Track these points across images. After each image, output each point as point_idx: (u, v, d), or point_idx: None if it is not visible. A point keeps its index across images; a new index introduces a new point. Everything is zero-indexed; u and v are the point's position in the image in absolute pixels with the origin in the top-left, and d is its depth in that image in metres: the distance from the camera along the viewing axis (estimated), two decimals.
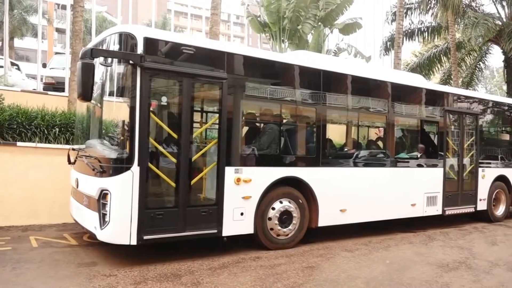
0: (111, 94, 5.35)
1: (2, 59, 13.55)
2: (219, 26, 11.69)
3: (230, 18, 53.03)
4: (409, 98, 8.09)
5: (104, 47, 5.40)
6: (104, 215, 4.99)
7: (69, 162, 6.11)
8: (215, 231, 5.51)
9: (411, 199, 7.85)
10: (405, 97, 7.98)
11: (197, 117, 6.34)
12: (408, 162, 8.03)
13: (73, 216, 6.09)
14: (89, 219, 5.33)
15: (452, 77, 18.31)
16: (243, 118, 6.18)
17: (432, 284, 4.95)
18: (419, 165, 8.23)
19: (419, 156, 8.27)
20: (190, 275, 4.86)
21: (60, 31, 33.92)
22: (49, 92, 11.64)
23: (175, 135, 5.36)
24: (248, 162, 5.91)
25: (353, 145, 7.79)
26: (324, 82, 6.71)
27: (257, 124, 6.87)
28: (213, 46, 5.86)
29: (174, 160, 5.31)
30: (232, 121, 5.72)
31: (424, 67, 20.69)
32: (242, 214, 5.75)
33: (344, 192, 6.86)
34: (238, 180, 5.70)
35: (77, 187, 5.84)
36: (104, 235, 5.00)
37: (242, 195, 5.74)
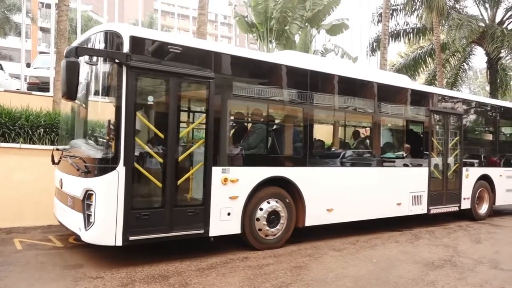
0: (96, 93, 5.25)
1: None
2: (206, 26, 11.66)
3: (217, 18, 52.89)
4: (395, 98, 8.17)
5: (90, 46, 5.31)
6: (89, 216, 4.92)
7: (53, 163, 6.02)
8: (202, 231, 5.48)
9: (396, 198, 7.93)
10: (390, 97, 8.06)
11: (184, 116, 6.30)
12: (394, 161, 8.12)
13: (57, 217, 6.00)
14: (73, 220, 5.26)
15: (436, 77, 18.59)
16: (230, 117, 6.16)
17: (418, 282, 5.01)
18: (405, 165, 8.31)
19: (404, 155, 8.36)
20: (178, 276, 4.83)
21: (45, 30, 33.40)
22: (34, 92, 11.47)
23: (161, 135, 5.31)
24: (235, 162, 5.89)
25: (340, 145, 7.86)
26: (311, 82, 6.73)
27: (245, 124, 6.88)
28: (200, 45, 5.83)
29: (160, 160, 5.27)
30: (219, 121, 5.69)
31: (409, 68, 20.95)
32: (229, 214, 5.73)
33: (331, 192, 6.89)
34: (225, 180, 5.68)
35: (61, 188, 5.76)
36: (89, 236, 4.93)
37: (229, 195, 5.73)
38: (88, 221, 4.93)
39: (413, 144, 8.56)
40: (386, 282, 4.97)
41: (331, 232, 7.23)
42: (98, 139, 5.32)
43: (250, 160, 6.08)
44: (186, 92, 5.96)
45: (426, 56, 20.72)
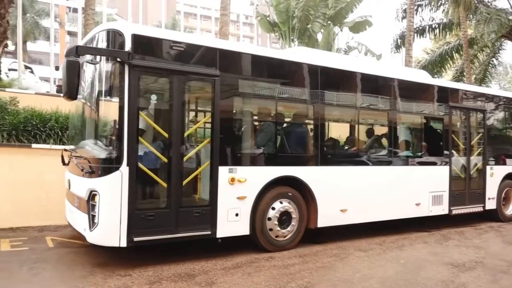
0: (99, 92, 5.22)
1: (16, 62, 13.75)
2: (228, 26, 11.73)
3: (239, 19, 53.08)
4: (412, 94, 7.88)
5: (93, 45, 5.30)
6: (93, 216, 4.88)
7: (63, 163, 6.01)
8: (209, 232, 5.37)
9: (415, 198, 7.64)
10: (407, 93, 7.76)
11: (188, 115, 6.20)
12: (411, 160, 7.81)
13: (67, 218, 6.01)
14: (79, 221, 5.25)
15: (464, 74, 18.10)
16: (237, 116, 6.02)
17: (448, 284, 4.89)
18: (423, 163, 7.95)
19: (423, 154, 8.03)
20: (204, 275, 4.87)
21: (72, 34, 34.33)
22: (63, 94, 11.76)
23: (166, 134, 5.22)
24: (243, 161, 5.76)
25: (353, 143, 7.51)
26: (321, 79, 6.54)
27: (252, 122, 6.63)
28: (205, 42, 5.69)
29: (165, 159, 5.17)
30: (225, 120, 5.60)
31: (435, 64, 20.49)
32: (237, 215, 5.60)
33: (345, 192, 6.66)
34: (233, 180, 5.56)
35: (69, 189, 5.77)
36: (93, 237, 4.90)
37: (236, 195, 5.60)
38: (92, 222, 4.90)
39: (433, 142, 8.22)
40: (414, 283, 4.87)
41: (357, 232, 7.13)
42: (102, 139, 5.28)
43: (258, 160, 5.98)
44: (191, 91, 5.87)
45: (453, 52, 20.22)
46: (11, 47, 19.97)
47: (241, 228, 5.67)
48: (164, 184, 5.13)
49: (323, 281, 4.82)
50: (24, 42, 26.66)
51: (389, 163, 7.41)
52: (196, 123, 6.14)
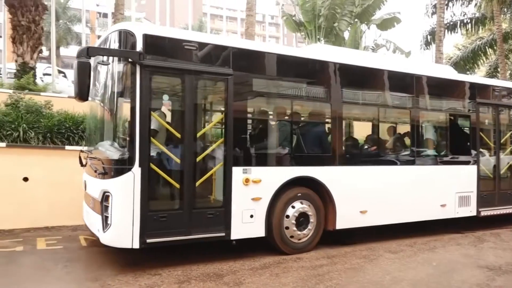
0: (111, 93, 5.23)
1: (50, 67, 14.24)
2: (254, 27, 11.75)
3: (265, 19, 53.12)
4: (436, 90, 7.51)
5: (106, 46, 5.32)
6: (106, 217, 4.88)
7: (81, 165, 6.04)
8: (223, 234, 5.29)
9: (440, 199, 7.30)
10: (431, 89, 7.39)
11: (201, 115, 6.10)
12: (436, 159, 7.51)
13: (84, 219, 6.05)
14: (94, 222, 5.27)
15: (499, 69, 17.44)
16: (251, 115, 5.93)
17: (484, 287, 4.72)
18: (449, 163, 7.59)
19: (448, 153, 7.66)
20: (232, 275, 4.89)
21: None
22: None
23: (178, 135, 5.18)
24: (257, 161, 5.66)
25: (373, 142, 7.23)
26: (339, 76, 6.38)
27: (267, 121, 6.48)
28: (217, 41, 5.65)
29: (177, 160, 5.13)
30: (239, 119, 5.52)
31: (468, 60, 19.86)
32: (251, 216, 5.50)
33: (364, 193, 6.42)
34: (247, 180, 5.44)
35: (85, 190, 5.83)
36: (107, 238, 4.91)
37: (251, 196, 5.49)
38: (105, 223, 4.90)
39: (459, 140, 7.87)
40: (448, 286, 4.73)
41: (386, 233, 6.98)
42: (114, 140, 5.26)
43: (273, 160, 5.88)
44: (203, 90, 5.79)
45: (487, 47, 19.54)
46: (45, 53, 20.75)
47: (256, 229, 5.57)
48: (177, 185, 5.09)
49: (352, 282, 4.75)
50: (58, 48, 27.64)
51: (411, 162, 7.10)
52: (209, 123, 6.04)
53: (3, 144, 7.22)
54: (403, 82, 7.18)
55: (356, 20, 19.55)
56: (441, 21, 14.74)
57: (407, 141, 7.49)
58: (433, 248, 6.45)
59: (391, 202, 6.70)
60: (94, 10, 36.53)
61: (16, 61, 12.22)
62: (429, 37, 19.71)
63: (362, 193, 6.42)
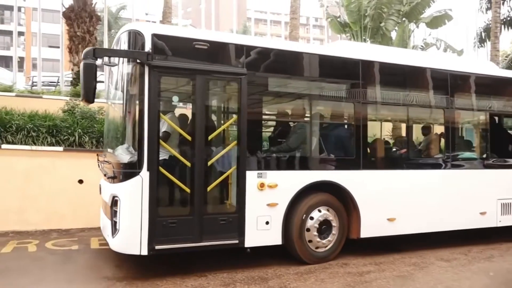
0: (120, 95, 5.19)
1: (103, 75, 14.94)
2: (298, 30, 11.73)
3: (309, 21, 52.74)
4: (474, 88, 6.93)
5: (117, 47, 5.28)
6: (115, 223, 4.78)
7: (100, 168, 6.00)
8: (236, 241, 5.05)
9: (479, 206, 6.67)
10: (468, 87, 6.88)
11: (213, 117, 5.86)
12: (474, 162, 6.93)
13: (100, 224, 5.97)
14: (105, 226, 5.23)
15: None
16: (266, 116, 5.66)
17: None
18: (490, 166, 6.92)
19: (489, 155, 7.01)
20: (277, 279, 4.88)
21: None
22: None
23: (189, 137, 5.01)
24: (273, 165, 5.41)
25: (403, 144, 6.78)
26: (363, 73, 5.95)
27: (284, 123, 6.26)
28: (229, 39, 5.46)
29: (188, 164, 4.93)
30: (253, 121, 5.26)
31: None
32: (267, 223, 5.22)
33: (393, 199, 5.98)
34: (262, 185, 5.17)
35: (100, 193, 5.82)
36: (115, 244, 4.83)
37: (266, 202, 5.21)
38: (114, 228, 4.81)
39: (500, 142, 7.23)
40: None
41: (438, 240, 6.66)
42: (123, 143, 5.20)
43: (291, 163, 5.59)
44: (215, 91, 5.59)
45: None
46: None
47: (273, 237, 5.29)
48: (187, 190, 4.90)
49: None
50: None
51: (446, 166, 6.55)
52: (221, 125, 5.71)
53: (61, 148, 7.67)
54: (437, 80, 6.63)
55: (404, 19, 18.93)
56: (497, 16, 13.97)
57: (442, 143, 6.94)
58: (490, 257, 6.09)
59: (423, 209, 6.19)
60: (143, 19, 38.01)
61: (72, 69, 12.98)
62: (483, 34, 18.72)
63: (390, 200, 5.98)
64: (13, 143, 7.46)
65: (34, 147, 7.44)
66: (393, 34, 19.45)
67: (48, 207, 7.34)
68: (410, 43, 19.74)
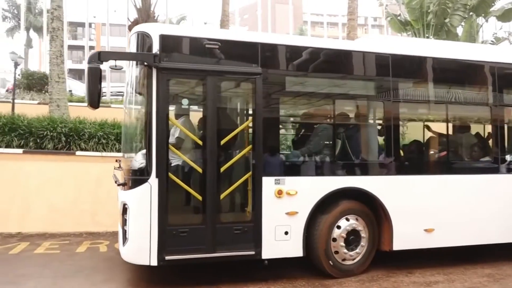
0: (129, 99, 5.05)
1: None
2: (356, 31, 11.48)
3: (367, 21, 51.42)
4: None
5: (128, 50, 5.13)
6: (125, 231, 4.65)
7: None
8: (253, 252, 4.70)
9: None
10: None
11: (226, 120, 5.46)
12: None
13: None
14: (120, 235, 5.11)
15: None
16: (284, 118, 5.29)
17: None
18: None
19: None
20: (338, 286, 4.79)
21: None
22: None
23: (200, 142, 4.78)
24: (292, 171, 5.03)
25: (441, 146, 6.10)
26: (393, 69, 5.41)
27: (303, 125, 5.87)
28: (242, 37, 5.15)
29: (200, 170, 4.67)
30: (270, 123, 4.91)
31: None
32: (286, 233, 4.83)
33: (431, 207, 5.36)
34: (280, 192, 4.79)
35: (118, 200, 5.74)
36: (125, 253, 4.68)
37: (285, 210, 4.82)
38: (124, 237, 4.68)
39: None
40: None
41: None
42: (133, 149, 5.09)
43: (312, 169, 5.19)
44: (228, 92, 5.34)
45: None
46: None
47: (292, 248, 4.89)
48: (199, 197, 4.64)
49: None
50: None
51: (495, 170, 5.83)
52: (235, 129, 5.22)
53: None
54: (482, 74, 5.97)
55: (471, 13, 17.84)
56: None
57: (489, 144, 6.17)
58: None
59: (467, 218, 5.53)
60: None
61: None
62: None
63: (427, 208, 5.37)
64: (85, 150, 8.02)
65: (104, 154, 7.94)
66: (459, 30, 18.41)
67: (116, 210, 7.75)
68: (479, 39, 18.55)
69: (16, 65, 14.58)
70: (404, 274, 5.23)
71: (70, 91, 16.96)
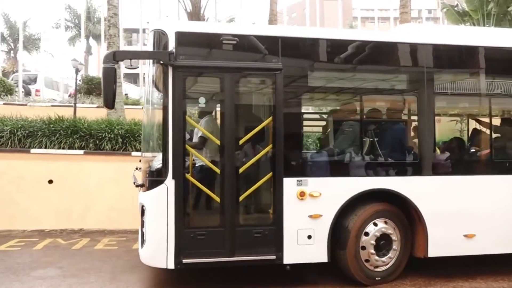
0: (146, 99, 4.97)
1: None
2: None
3: (421, 14, 49.31)
4: None
5: (148, 48, 5.04)
6: (143, 233, 4.60)
7: None
8: (273, 257, 4.50)
9: None
10: None
11: (245, 118, 5.21)
12: None
13: None
14: (139, 237, 5.04)
15: None
16: (307, 116, 4.99)
17: None
18: None
19: None
20: None
21: None
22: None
23: (218, 142, 4.62)
24: (315, 171, 4.78)
25: (482, 144, 5.61)
26: (429, 59, 5.00)
27: (328, 122, 5.58)
28: (262, 31, 4.91)
29: (218, 171, 4.54)
30: (291, 121, 4.69)
31: None
32: (309, 237, 4.58)
33: (471, 211, 4.93)
34: (302, 194, 4.56)
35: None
36: (143, 256, 4.62)
37: (308, 213, 4.58)
38: (142, 239, 4.63)
39: None
40: None
41: None
42: (150, 149, 5.02)
43: (337, 169, 4.90)
44: (247, 89, 5.12)
45: None
46: None
47: (316, 253, 4.62)
48: (217, 199, 4.51)
49: None
50: None
51: None
52: (254, 127, 4.92)
53: None
54: None
55: None
56: None
57: None
58: None
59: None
60: None
61: None
62: None
63: (467, 212, 4.94)
64: (140, 150, 8.34)
65: (156, 154, 8.20)
66: None
67: None
68: None
69: (77, 71, 15.43)
70: (464, 279, 4.96)
71: (126, 94, 17.71)
